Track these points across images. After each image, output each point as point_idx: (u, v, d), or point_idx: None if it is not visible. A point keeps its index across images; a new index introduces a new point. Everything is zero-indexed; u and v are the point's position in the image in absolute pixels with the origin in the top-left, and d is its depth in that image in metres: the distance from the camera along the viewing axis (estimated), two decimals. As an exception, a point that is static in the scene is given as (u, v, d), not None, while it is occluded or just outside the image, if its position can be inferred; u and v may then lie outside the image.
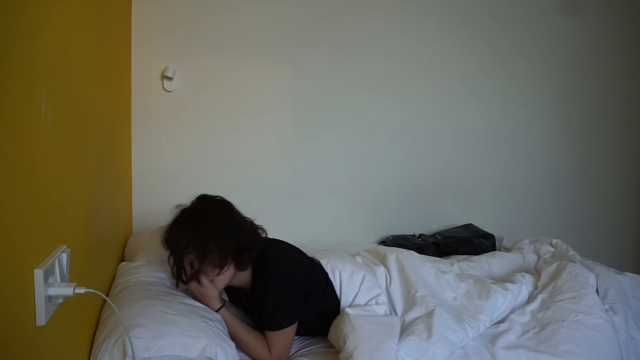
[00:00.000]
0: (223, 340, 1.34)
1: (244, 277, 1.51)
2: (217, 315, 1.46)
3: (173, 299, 1.46)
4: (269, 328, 1.43)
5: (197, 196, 1.49)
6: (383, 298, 1.59)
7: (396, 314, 1.58)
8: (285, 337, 1.44)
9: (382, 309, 1.55)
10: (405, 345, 1.38)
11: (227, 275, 1.45)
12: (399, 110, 2.61)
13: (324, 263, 1.61)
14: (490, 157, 2.78)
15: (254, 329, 1.49)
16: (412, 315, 1.54)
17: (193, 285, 1.43)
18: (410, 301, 1.59)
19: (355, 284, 1.58)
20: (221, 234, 1.41)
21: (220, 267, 1.41)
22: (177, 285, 1.55)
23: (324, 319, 1.54)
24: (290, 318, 1.44)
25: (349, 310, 1.48)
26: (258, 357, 1.44)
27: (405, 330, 1.49)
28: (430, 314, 1.51)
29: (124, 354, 1.18)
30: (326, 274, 1.59)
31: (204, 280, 1.42)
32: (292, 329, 1.45)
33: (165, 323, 1.29)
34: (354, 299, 1.56)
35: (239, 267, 1.46)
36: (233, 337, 1.41)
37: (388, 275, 1.70)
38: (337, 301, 1.56)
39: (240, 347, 1.43)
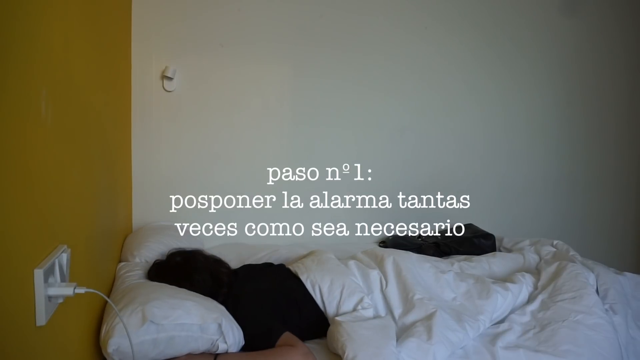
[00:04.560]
0: (233, 323, 1.40)
1: None
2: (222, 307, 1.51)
3: (179, 290, 1.50)
4: (272, 344, 1.42)
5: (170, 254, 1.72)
6: (367, 301, 1.60)
7: (393, 317, 1.58)
8: (287, 335, 1.45)
9: (369, 312, 1.57)
10: (406, 347, 1.38)
11: None
12: (399, 110, 2.61)
13: (303, 279, 1.68)
14: (491, 157, 2.78)
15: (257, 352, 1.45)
16: (411, 318, 1.55)
17: None
18: (409, 304, 1.60)
19: (335, 292, 1.62)
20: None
21: None
22: None
23: (309, 326, 1.59)
24: (275, 327, 1.46)
25: (340, 319, 1.49)
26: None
27: (404, 332, 1.49)
28: (429, 316, 1.51)
29: (143, 320, 1.23)
30: (304, 289, 1.65)
31: None
32: (286, 333, 1.46)
33: (179, 299, 1.35)
34: (338, 307, 1.59)
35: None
36: None
37: (383, 279, 1.71)
38: (320, 311, 1.61)
39: None
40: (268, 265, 1.90)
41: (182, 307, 1.31)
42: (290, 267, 1.79)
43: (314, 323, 1.60)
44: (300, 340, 1.45)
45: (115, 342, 1.20)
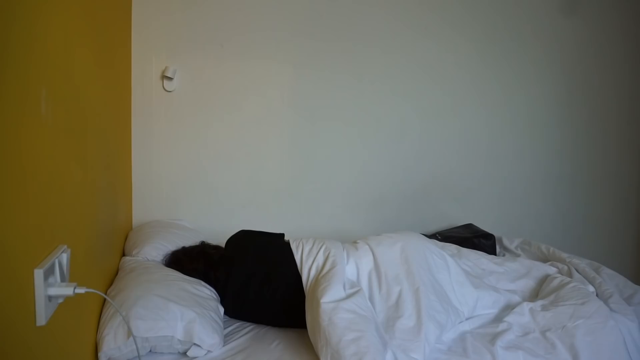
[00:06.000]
0: (214, 322, 1.48)
1: None
2: (215, 303, 1.60)
3: (172, 283, 1.56)
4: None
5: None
6: (352, 281, 1.60)
7: (375, 299, 1.58)
8: None
9: (354, 296, 1.50)
10: (398, 330, 1.41)
11: None
12: (400, 110, 2.61)
13: (291, 241, 1.75)
14: (491, 157, 2.77)
15: None
16: (394, 297, 1.55)
17: None
18: (394, 286, 1.59)
19: (314, 250, 1.67)
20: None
21: None
22: None
23: (287, 308, 1.63)
24: None
25: (322, 304, 1.43)
26: None
27: (390, 313, 1.50)
28: (416, 295, 1.53)
29: (128, 334, 1.31)
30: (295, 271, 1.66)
31: None
32: None
33: (165, 300, 1.43)
34: (312, 264, 1.62)
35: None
36: None
37: (371, 261, 1.69)
38: (298, 276, 1.63)
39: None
40: (269, 242, 1.84)
41: (166, 315, 1.38)
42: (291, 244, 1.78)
43: (293, 302, 1.61)
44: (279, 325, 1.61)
45: (104, 355, 1.31)
